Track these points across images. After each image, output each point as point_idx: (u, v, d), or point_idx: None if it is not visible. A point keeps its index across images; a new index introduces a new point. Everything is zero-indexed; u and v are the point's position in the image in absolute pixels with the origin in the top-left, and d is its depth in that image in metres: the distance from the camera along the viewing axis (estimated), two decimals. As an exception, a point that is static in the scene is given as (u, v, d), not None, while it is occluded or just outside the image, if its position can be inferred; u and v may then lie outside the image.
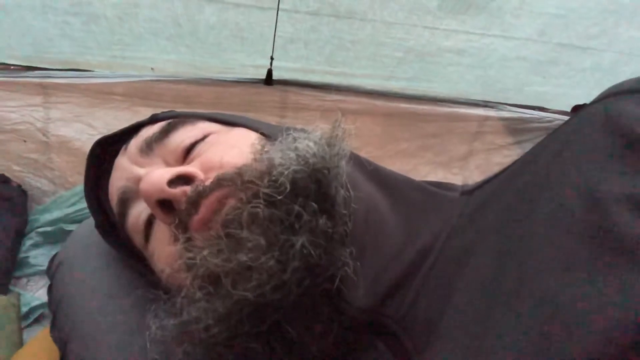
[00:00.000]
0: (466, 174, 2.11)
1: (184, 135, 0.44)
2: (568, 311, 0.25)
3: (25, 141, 1.66)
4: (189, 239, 0.37)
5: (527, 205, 0.32)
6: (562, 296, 0.26)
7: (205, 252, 0.35)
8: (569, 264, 0.27)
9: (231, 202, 0.36)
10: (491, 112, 2.02)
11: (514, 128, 2.06)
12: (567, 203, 0.29)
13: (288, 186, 0.34)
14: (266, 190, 0.34)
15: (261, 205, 0.34)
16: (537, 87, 1.87)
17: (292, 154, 0.37)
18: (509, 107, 2.02)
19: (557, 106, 1.99)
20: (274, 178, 0.35)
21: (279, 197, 0.34)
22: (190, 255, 0.35)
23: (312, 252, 0.33)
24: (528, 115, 2.03)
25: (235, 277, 0.33)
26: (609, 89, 0.33)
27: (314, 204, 0.34)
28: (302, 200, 0.34)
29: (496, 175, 0.41)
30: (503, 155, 2.08)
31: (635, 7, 1.46)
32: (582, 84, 1.79)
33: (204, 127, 0.45)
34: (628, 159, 0.27)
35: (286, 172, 0.35)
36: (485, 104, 2.00)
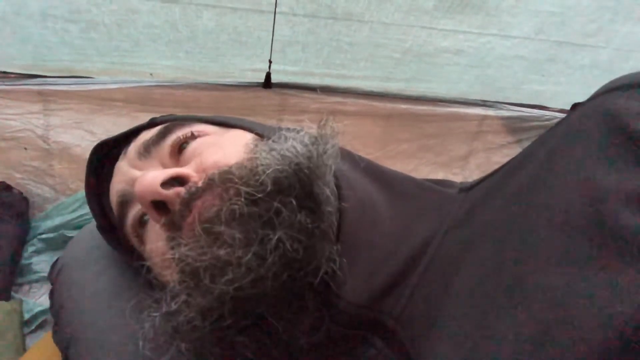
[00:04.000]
0: (466, 173, 2.11)
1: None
2: (567, 308, 0.25)
3: (26, 148, 1.67)
4: (174, 237, 0.37)
5: (525, 202, 0.32)
6: (561, 293, 0.26)
7: (184, 248, 0.35)
8: (568, 261, 0.27)
9: (215, 201, 0.36)
10: (490, 112, 2.02)
11: (514, 127, 2.06)
12: (565, 200, 0.29)
13: (269, 185, 0.35)
14: (247, 189, 0.35)
15: (240, 203, 0.35)
16: (535, 85, 1.87)
17: (277, 154, 0.37)
18: (508, 106, 2.02)
19: (556, 104, 1.99)
20: (257, 178, 0.35)
21: (259, 196, 0.35)
22: (172, 251, 0.36)
23: (290, 246, 0.34)
24: (527, 114, 2.03)
25: (214, 271, 0.34)
26: (606, 84, 0.33)
27: (293, 200, 0.35)
28: (282, 198, 0.35)
29: (494, 173, 0.41)
30: (503, 154, 2.07)
31: (631, 3, 1.46)
32: (581, 81, 1.79)
33: (198, 128, 0.46)
34: (626, 155, 0.27)
35: (268, 172, 0.35)
36: (484, 104, 2.00)
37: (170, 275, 0.37)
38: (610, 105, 0.30)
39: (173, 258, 0.36)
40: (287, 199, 0.35)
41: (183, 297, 0.35)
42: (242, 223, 0.34)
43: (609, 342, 0.23)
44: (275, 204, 0.34)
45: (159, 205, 0.39)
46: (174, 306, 0.35)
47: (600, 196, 0.27)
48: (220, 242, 0.34)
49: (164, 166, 0.44)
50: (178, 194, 0.38)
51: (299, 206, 0.35)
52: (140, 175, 0.40)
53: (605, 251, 0.25)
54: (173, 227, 0.38)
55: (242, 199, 0.35)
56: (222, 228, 0.34)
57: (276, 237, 0.34)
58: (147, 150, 0.45)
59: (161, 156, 0.45)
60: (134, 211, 0.45)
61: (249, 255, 0.33)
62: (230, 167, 0.38)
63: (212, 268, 0.34)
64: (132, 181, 0.44)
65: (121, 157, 0.48)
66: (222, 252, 0.34)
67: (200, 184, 0.38)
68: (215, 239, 0.35)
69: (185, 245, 0.36)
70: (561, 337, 0.25)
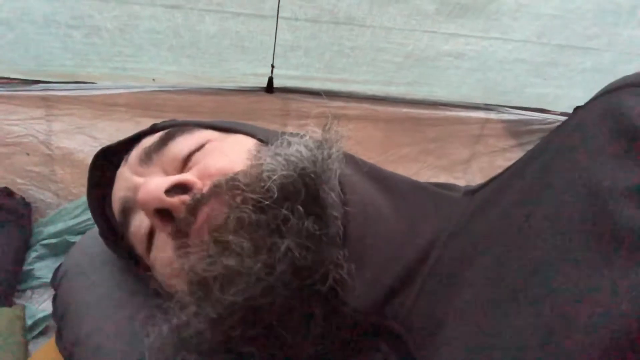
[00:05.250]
0: (469, 177, 2.11)
1: (182, 144, 0.44)
2: (572, 307, 0.25)
3: (28, 154, 1.67)
4: (182, 246, 0.37)
5: (530, 204, 0.32)
6: (565, 293, 0.26)
7: (193, 258, 0.35)
8: (573, 260, 0.27)
9: (223, 208, 0.36)
10: (492, 115, 2.02)
11: (516, 130, 2.06)
12: (570, 199, 0.29)
13: (276, 191, 0.35)
14: (254, 196, 0.35)
15: (248, 210, 0.34)
16: (537, 88, 1.87)
17: (282, 159, 0.37)
18: (509, 110, 2.02)
19: (558, 107, 1.99)
20: (262, 184, 0.35)
21: (267, 203, 0.34)
22: (181, 261, 0.36)
23: (298, 254, 0.33)
24: (529, 117, 2.03)
25: (223, 281, 0.34)
26: (609, 84, 0.33)
27: (300, 207, 0.35)
28: (290, 204, 0.35)
29: (499, 176, 0.41)
30: (505, 157, 2.07)
31: (633, 6, 1.47)
32: (583, 84, 1.79)
33: (201, 135, 0.46)
34: (630, 153, 0.27)
35: (274, 177, 0.35)
36: (486, 107, 2.00)
37: (178, 285, 0.36)
38: (614, 104, 0.30)
39: (182, 268, 0.35)
40: (294, 205, 0.35)
41: (192, 308, 0.35)
42: (250, 231, 0.34)
43: (613, 342, 0.23)
44: (283, 211, 0.34)
45: (163, 213, 0.39)
46: (183, 318, 0.35)
47: (604, 194, 0.27)
48: (229, 251, 0.34)
49: (166, 173, 0.44)
50: (183, 202, 0.38)
51: (306, 212, 0.35)
52: (143, 182, 0.40)
53: (609, 249, 0.25)
54: (180, 235, 0.38)
55: (250, 207, 0.34)
56: (231, 237, 0.34)
57: (285, 245, 0.33)
58: (148, 156, 0.45)
59: (163, 162, 0.44)
60: (138, 219, 0.44)
61: (259, 265, 0.33)
62: (236, 173, 0.37)
63: (222, 278, 0.34)
64: (134, 188, 0.43)
65: (122, 163, 0.48)
66: (231, 261, 0.33)
67: (205, 190, 0.38)
68: (224, 248, 0.34)
69: (194, 254, 0.35)
70: (565, 338, 0.25)
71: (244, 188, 0.36)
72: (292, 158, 0.37)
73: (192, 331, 0.35)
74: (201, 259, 0.35)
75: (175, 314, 0.36)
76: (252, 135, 0.46)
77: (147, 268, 0.46)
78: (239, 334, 0.35)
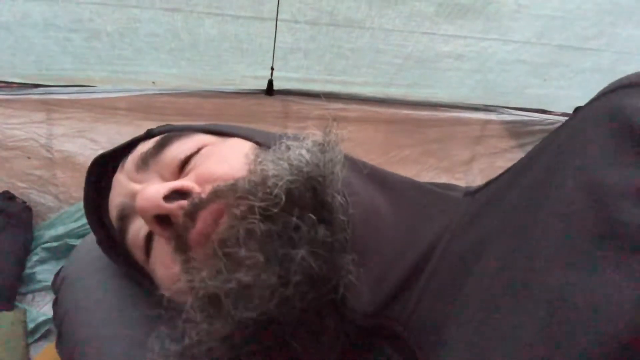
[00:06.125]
0: (470, 178, 2.11)
1: (179, 149, 0.44)
2: (575, 306, 0.25)
3: (29, 158, 1.67)
4: (187, 260, 0.36)
5: (531, 204, 0.32)
6: (569, 291, 0.26)
7: (203, 274, 0.34)
8: (575, 259, 0.26)
9: (227, 218, 0.35)
10: (492, 116, 2.02)
11: (516, 131, 2.06)
12: (572, 199, 0.29)
13: (283, 198, 0.34)
14: (261, 204, 0.34)
15: (257, 221, 0.33)
16: (537, 89, 1.87)
17: (285, 164, 0.36)
18: (510, 111, 2.02)
19: (558, 108, 2.00)
20: (268, 190, 0.34)
21: (275, 211, 0.34)
22: (189, 277, 0.35)
23: (313, 263, 0.33)
24: (529, 118, 2.03)
25: (236, 297, 0.33)
26: (609, 85, 0.33)
27: (311, 214, 0.34)
28: (299, 211, 0.34)
29: (500, 177, 0.41)
30: (506, 158, 2.07)
31: (632, 6, 1.47)
32: (583, 84, 1.80)
33: (198, 139, 0.45)
34: (631, 152, 0.27)
35: (280, 184, 0.34)
36: (486, 108, 2.00)
37: (180, 292, 0.35)
38: (615, 104, 0.30)
39: (192, 286, 0.34)
40: (304, 212, 0.34)
41: (204, 326, 0.34)
42: (262, 243, 0.33)
43: (612, 341, 0.23)
44: (294, 220, 0.33)
45: (162, 219, 0.38)
46: (195, 337, 0.34)
47: (606, 195, 0.27)
48: (241, 265, 0.33)
49: (163, 178, 0.43)
50: (181, 207, 0.37)
51: (317, 219, 0.34)
52: (141, 189, 0.40)
53: (613, 248, 0.25)
54: (179, 241, 0.37)
55: (257, 216, 0.33)
56: (242, 251, 0.33)
57: (299, 255, 0.33)
58: (144, 162, 0.44)
59: (160, 168, 0.44)
60: (136, 225, 0.44)
61: (273, 278, 0.32)
62: (237, 179, 0.36)
63: (235, 293, 0.33)
64: (131, 194, 0.43)
65: (119, 169, 0.47)
66: (246, 277, 0.32)
67: (204, 195, 0.37)
68: (237, 263, 0.33)
69: (202, 270, 0.34)
70: (569, 339, 0.25)
71: (248, 195, 0.35)
72: (295, 162, 0.36)
73: (203, 348, 0.34)
74: (212, 275, 0.34)
75: (186, 333, 0.34)
76: (249, 139, 0.45)
77: (146, 273, 0.46)
78: (249, 348, 0.35)
